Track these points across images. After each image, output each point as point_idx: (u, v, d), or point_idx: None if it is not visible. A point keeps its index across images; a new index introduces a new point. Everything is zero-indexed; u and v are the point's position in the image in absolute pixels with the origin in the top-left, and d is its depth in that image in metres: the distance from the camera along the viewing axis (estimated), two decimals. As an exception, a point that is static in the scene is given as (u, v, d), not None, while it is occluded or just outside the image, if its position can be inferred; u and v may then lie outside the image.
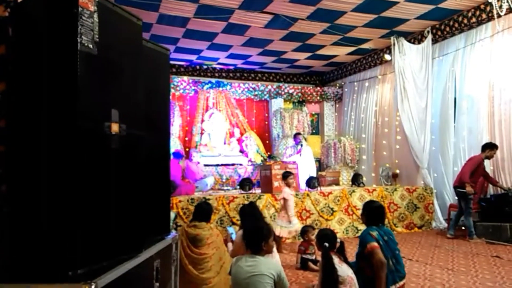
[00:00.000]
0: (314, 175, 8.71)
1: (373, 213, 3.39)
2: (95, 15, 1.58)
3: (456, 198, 6.87)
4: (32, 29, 1.57)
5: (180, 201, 6.31)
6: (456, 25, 7.55)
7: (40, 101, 1.50)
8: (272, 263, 2.73)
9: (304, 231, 5.29)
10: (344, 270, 3.03)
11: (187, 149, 10.26)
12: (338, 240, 3.42)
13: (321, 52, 9.85)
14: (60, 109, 1.47)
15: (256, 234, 2.75)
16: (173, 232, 2.49)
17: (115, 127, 1.65)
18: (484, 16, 6.97)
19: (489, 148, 6.51)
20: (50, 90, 1.49)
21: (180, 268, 3.14)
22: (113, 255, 1.62)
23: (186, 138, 10.62)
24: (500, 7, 5.29)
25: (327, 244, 3.14)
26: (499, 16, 5.50)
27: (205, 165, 9.91)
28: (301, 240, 5.43)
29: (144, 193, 1.86)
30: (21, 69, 1.58)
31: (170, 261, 2.33)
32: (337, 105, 12.02)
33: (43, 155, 1.47)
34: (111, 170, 1.64)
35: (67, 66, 1.48)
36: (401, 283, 3.20)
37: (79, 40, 1.48)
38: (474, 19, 7.18)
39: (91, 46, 1.54)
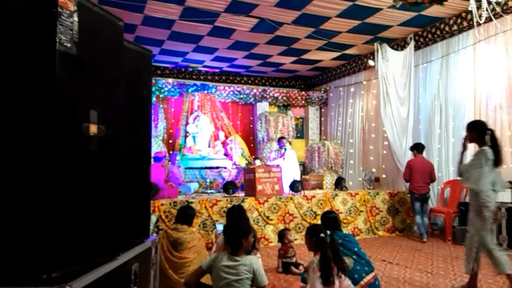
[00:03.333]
0: (298, 178, 8.75)
1: (328, 222, 3.87)
2: (75, 15, 1.56)
3: (417, 202, 7.09)
4: (9, 27, 1.54)
5: (162, 204, 6.25)
6: (438, 32, 7.70)
7: (16, 100, 1.48)
8: (249, 261, 2.75)
9: (282, 235, 5.27)
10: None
11: (170, 152, 10.19)
12: None
13: (306, 56, 9.92)
14: (36, 109, 1.45)
15: (235, 230, 2.85)
16: (153, 235, 2.46)
17: (93, 128, 1.63)
18: (465, 24, 7.13)
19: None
20: (26, 89, 1.47)
21: (160, 272, 3.11)
22: (89, 258, 1.59)
23: (170, 141, 10.56)
24: (480, 15, 5.41)
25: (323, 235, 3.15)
26: (479, 24, 5.63)
27: (189, 168, 9.86)
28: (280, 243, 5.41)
29: (122, 195, 1.84)
30: (-3, 68, 1.55)
31: (149, 265, 2.31)
32: (322, 110, 12.13)
33: (17, 155, 1.44)
34: (88, 171, 1.61)
35: (45, 66, 1.46)
36: (368, 277, 3.51)
37: (57, 40, 1.46)
38: (455, 27, 7.32)
39: (70, 45, 1.53)
